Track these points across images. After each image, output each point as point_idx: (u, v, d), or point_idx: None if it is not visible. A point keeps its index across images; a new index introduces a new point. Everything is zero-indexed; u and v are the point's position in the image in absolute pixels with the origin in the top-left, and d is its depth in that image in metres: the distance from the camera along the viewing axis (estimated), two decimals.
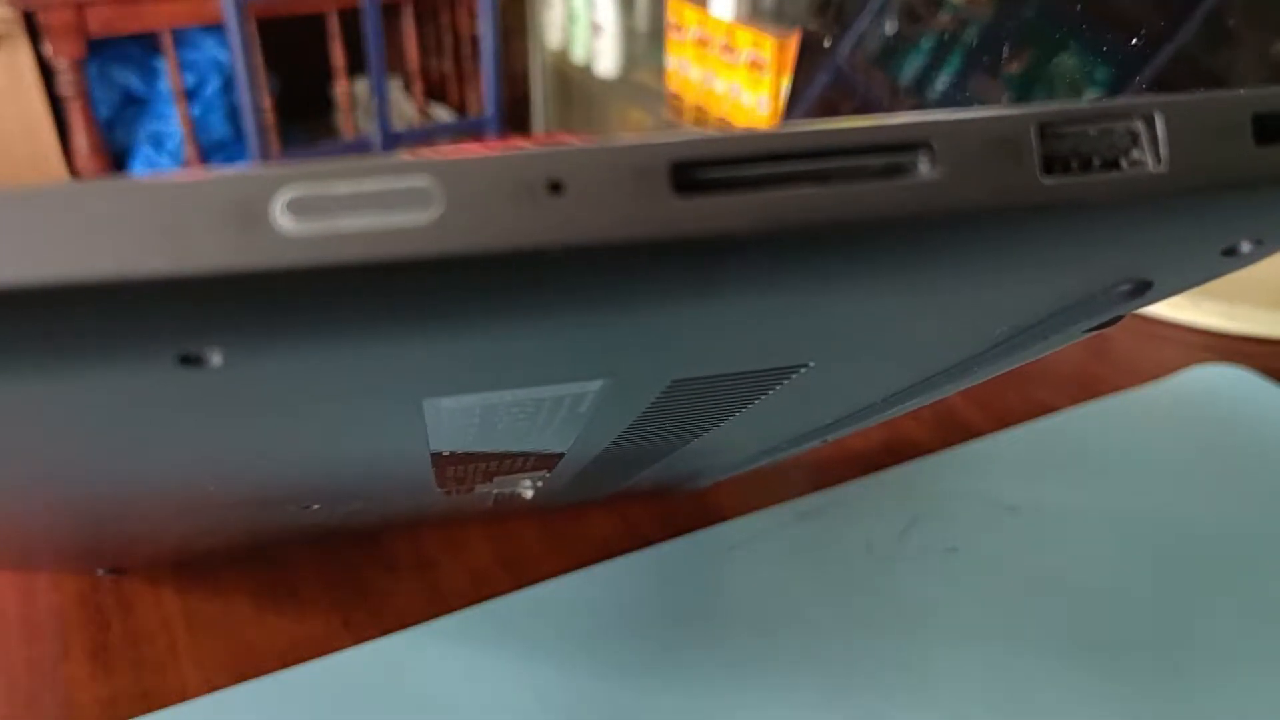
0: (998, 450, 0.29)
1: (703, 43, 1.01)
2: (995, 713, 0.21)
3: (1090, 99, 0.09)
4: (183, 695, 0.22)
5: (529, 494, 0.21)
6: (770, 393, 0.15)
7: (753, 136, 0.08)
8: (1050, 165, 0.08)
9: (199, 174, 0.07)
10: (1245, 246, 0.10)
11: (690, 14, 1.01)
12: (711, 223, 0.08)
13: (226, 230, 0.07)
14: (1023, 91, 0.29)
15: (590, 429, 0.15)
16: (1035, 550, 0.26)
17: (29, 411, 0.09)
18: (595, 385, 0.12)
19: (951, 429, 0.30)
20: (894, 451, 0.29)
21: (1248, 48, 0.24)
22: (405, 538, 0.27)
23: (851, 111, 0.36)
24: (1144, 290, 0.11)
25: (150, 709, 0.22)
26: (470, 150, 0.08)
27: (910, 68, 0.33)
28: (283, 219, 0.07)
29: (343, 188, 0.07)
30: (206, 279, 0.07)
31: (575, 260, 0.08)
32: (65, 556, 0.22)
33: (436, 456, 0.15)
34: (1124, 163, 0.09)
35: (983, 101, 0.30)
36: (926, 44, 0.32)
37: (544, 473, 0.19)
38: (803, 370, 0.13)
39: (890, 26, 0.34)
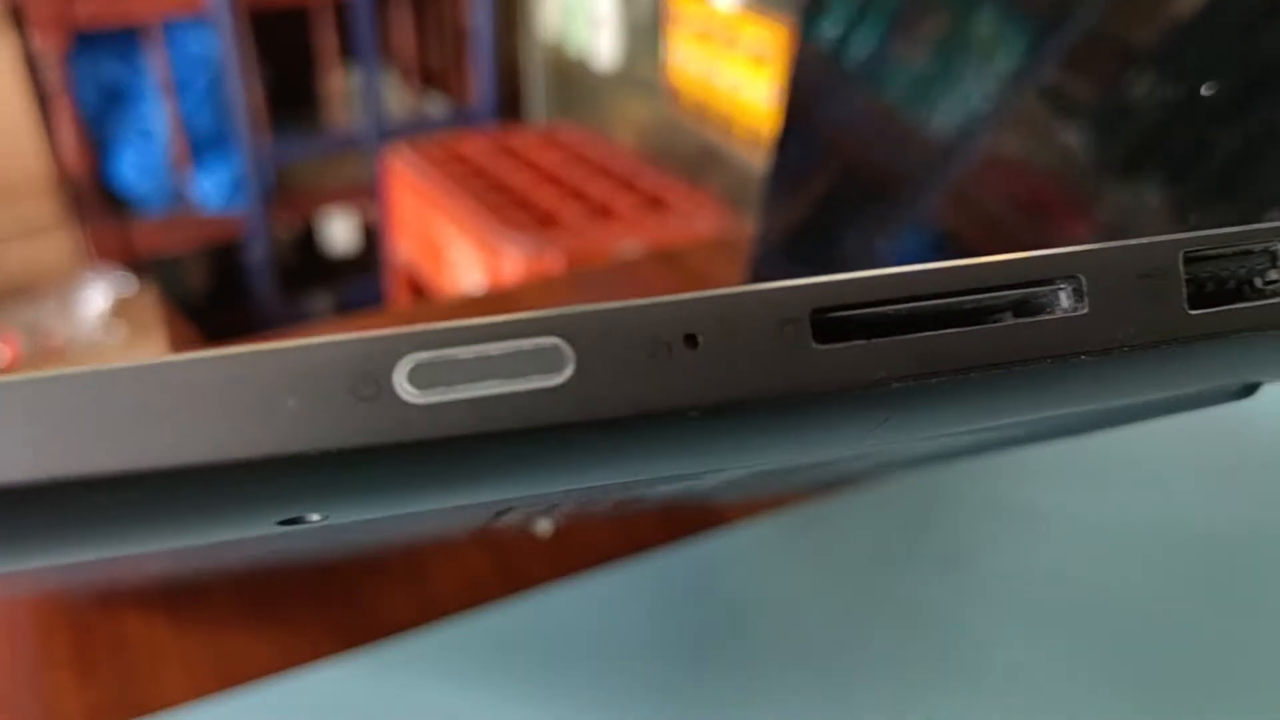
0: (1006, 454, 0.29)
1: (704, 35, 1.00)
2: (1001, 716, 0.21)
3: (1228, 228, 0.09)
4: (168, 703, 0.22)
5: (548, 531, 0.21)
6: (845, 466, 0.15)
7: (892, 278, 0.08)
8: (1195, 295, 0.08)
9: (317, 342, 0.07)
10: None
11: (691, 5, 1.00)
12: (858, 371, 0.07)
13: (349, 405, 0.07)
14: (941, 53, 0.29)
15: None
16: (1040, 553, 0.25)
17: (130, 551, 0.09)
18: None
19: None
20: None
21: (1154, 15, 0.24)
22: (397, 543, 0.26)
23: (799, 96, 0.35)
24: (1251, 391, 0.11)
25: (134, 716, 0.22)
26: (594, 300, 0.08)
27: (830, 29, 0.32)
28: (406, 389, 0.07)
29: (467, 353, 0.07)
30: (326, 455, 0.07)
31: (712, 416, 0.07)
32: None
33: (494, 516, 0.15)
34: (1259, 283, 0.09)
35: (903, 65, 0.29)
36: (847, 5, 0.32)
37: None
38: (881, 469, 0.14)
39: None
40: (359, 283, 1.38)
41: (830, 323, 0.08)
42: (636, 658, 0.22)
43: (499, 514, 0.17)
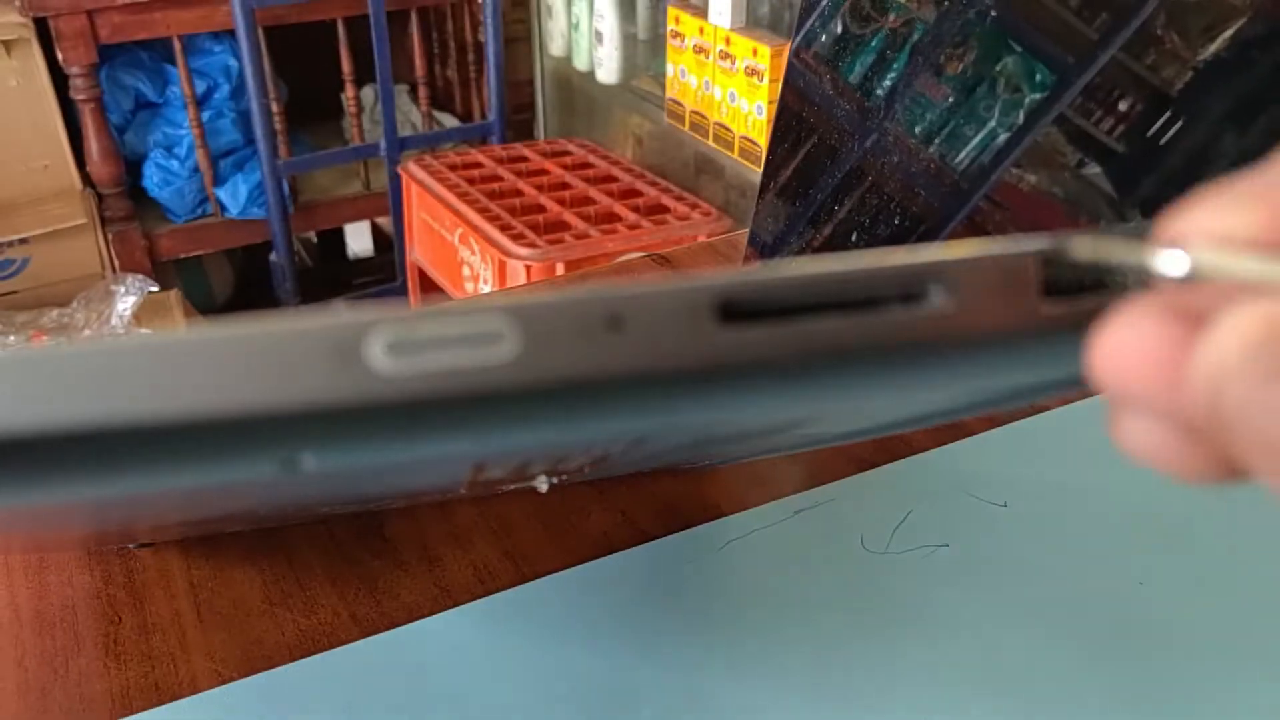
0: (990, 447, 0.30)
1: (701, 50, 1.02)
2: (988, 703, 0.21)
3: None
4: (193, 688, 0.23)
5: (544, 489, 0.22)
6: (776, 437, 0.17)
7: (785, 276, 0.09)
8: (1051, 288, 0.09)
9: (307, 321, 0.08)
10: None
11: (689, 22, 1.02)
12: (758, 348, 0.09)
13: (331, 372, 0.08)
14: (965, 91, 0.30)
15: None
16: (1026, 545, 0.26)
17: (160, 490, 0.11)
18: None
19: (944, 427, 0.30)
20: (887, 449, 0.30)
21: (1176, 54, 0.25)
22: (411, 534, 0.27)
23: (806, 113, 0.36)
24: None
25: (161, 701, 0.22)
26: (539, 288, 0.10)
27: (859, 66, 0.34)
28: (377, 360, 0.08)
29: (429, 331, 0.08)
30: (310, 411, 0.08)
31: (635, 386, 0.09)
32: (106, 539, 0.23)
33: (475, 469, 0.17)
34: (1118, 277, 0.09)
35: (927, 101, 0.31)
36: (875, 43, 0.33)
37: (565, 476, 0.20)
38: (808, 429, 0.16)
39: (840, 26, 0.34)
40: (376, 287, 1.41)
41: (736, 309, 0.09)
42: (637, 640, 0.23)
43: (478, 469, 0.18)
